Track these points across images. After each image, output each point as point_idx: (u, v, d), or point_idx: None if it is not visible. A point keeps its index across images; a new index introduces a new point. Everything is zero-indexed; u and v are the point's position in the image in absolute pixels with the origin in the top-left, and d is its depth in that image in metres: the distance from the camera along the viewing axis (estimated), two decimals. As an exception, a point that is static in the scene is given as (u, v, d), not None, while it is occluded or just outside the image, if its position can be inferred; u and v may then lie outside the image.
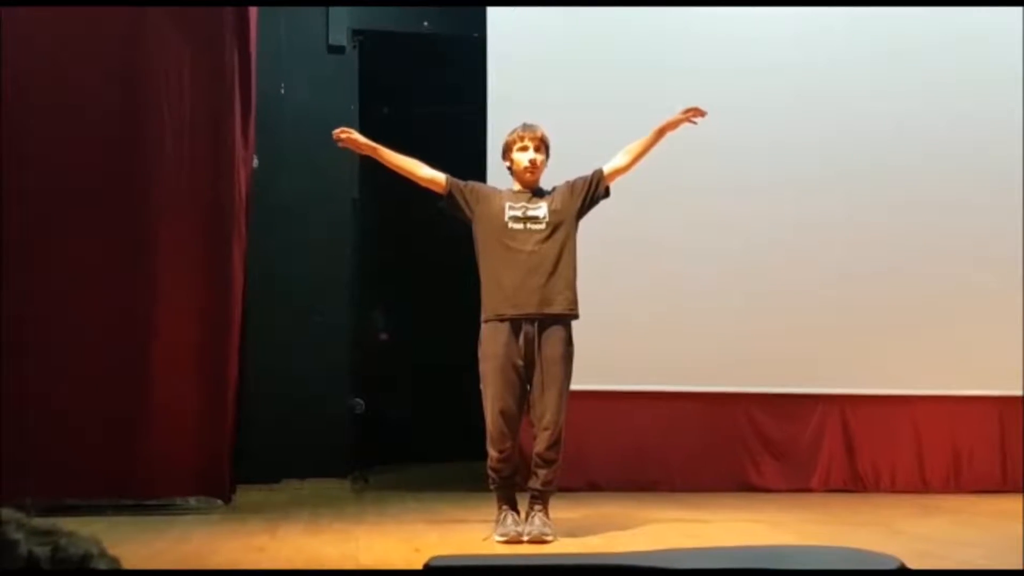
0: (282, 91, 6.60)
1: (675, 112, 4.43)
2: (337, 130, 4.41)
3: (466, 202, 4.29)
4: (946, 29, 6.39)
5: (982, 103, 6.35)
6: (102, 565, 0.95)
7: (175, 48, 5.19)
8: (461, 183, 4.35)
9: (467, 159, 5.43)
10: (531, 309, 4.17)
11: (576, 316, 4.25)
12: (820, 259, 6.24)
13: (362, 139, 4.38)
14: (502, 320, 4.18)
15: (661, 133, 4.39)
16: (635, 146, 4.38)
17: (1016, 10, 6.33)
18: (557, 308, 4.19)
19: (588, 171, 4.37)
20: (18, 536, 0.88)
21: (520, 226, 4.22)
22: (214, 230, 5.22)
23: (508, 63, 6.05)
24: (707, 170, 6.14)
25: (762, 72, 6.25)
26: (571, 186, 4.33)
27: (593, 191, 4.32)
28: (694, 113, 4.40)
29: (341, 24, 6.75)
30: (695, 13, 6.27)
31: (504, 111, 5.46)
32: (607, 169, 4.36)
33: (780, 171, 6.24)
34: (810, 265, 6.23)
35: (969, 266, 6.29)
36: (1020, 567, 3.55)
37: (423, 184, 4.35)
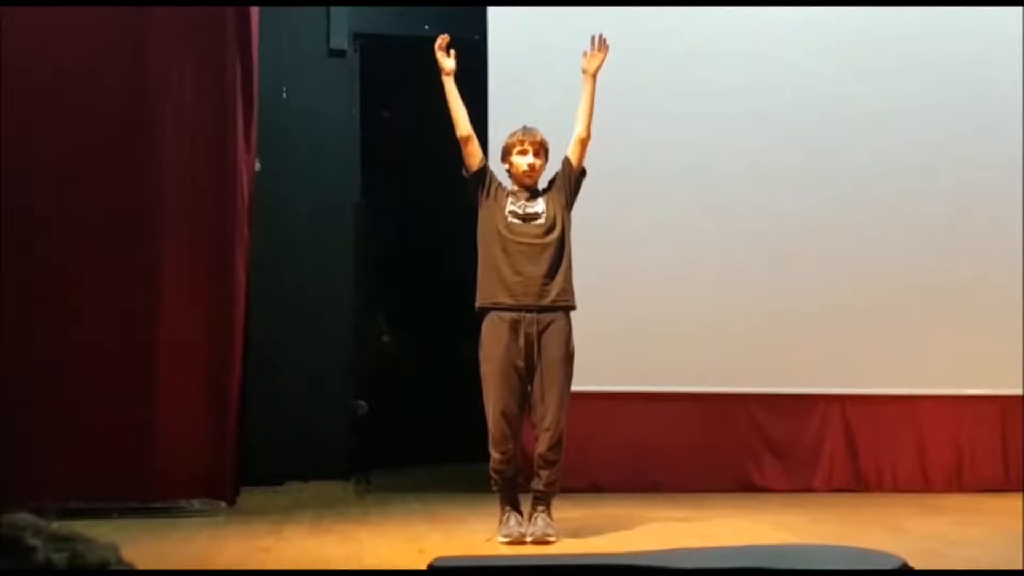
0: (284, 95, 6.63)
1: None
2: (444, 37, 4.40)
3: (485, 188, 4.35)
4: (943, 34, 6.41)
5: (984, 103, 6.36)
6: None
7: (177, 52, 5.21)
8: (491, 170, 4.40)
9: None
10: (529, 300, 4.21)
11: (573, 307, 4.29)
12: (821, 258, 6.24)
13: (453, 60, 4.40)
14: (498, 309, 4.21)
15: (592, 78, 4.40)
16: (580, 108, 4.39)
17: (1016, 10, 6.34)
18: (554, 299, 4.22)
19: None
20: (36, 542, 0.89)
21: (519, 221, 4.28)
22: (217, 233, 5.24)
23: (509, 65, 6.07)
24: (709, 171, 6.16)
25: (761, 66, 6.27)
26: (553, 183, 4.39)
27: (570, 179, 4.38)
28: (600, 46, 4.41)
29: (342, 28, 6.78)
30: (695, 13, 6.27)
31: (505, 113, 5.47)
32: (570, 150, 4.40)
33: (781, 172, 6.25)
34: (811, 265, 6.23)
35: (970, 264, 6.29)
36: (1021, 567, 3.56)
37: (458, 137, 4.36)
